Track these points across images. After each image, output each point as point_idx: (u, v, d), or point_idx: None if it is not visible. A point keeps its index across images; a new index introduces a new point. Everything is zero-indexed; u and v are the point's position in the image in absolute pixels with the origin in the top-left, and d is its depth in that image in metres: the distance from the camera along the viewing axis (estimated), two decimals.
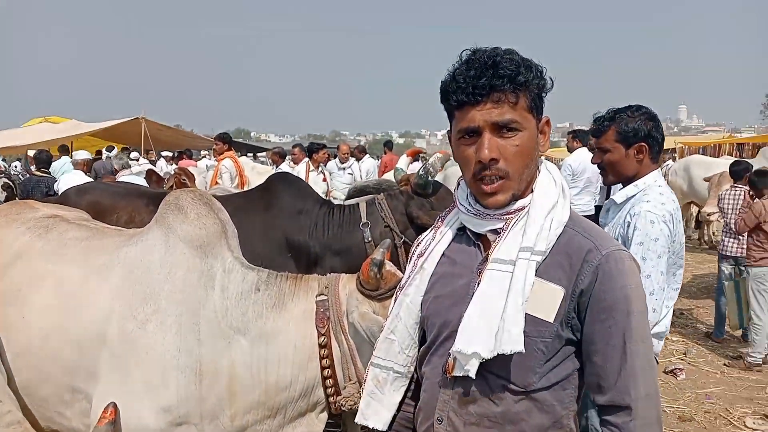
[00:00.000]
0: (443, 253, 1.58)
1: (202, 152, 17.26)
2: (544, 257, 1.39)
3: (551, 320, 1.38)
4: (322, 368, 2.20)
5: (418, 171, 3.24)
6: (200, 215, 2.34)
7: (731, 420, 4.71)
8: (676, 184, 10.39)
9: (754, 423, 4.62)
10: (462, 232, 1.58)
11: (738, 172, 6.75)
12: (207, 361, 2.21)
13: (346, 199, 3.84)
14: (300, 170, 9.20)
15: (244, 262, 2.36)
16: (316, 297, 2.24)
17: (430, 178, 3.21)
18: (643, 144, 2.79)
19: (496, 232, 1.48)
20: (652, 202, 2.68)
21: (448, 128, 1.55)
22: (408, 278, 1.62)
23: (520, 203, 1.46)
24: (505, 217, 1.46)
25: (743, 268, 6.02)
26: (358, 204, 3.35)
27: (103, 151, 15.98)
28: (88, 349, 2.23)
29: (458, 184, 1.59)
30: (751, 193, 6.28)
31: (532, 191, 1.48)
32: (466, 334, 1.38)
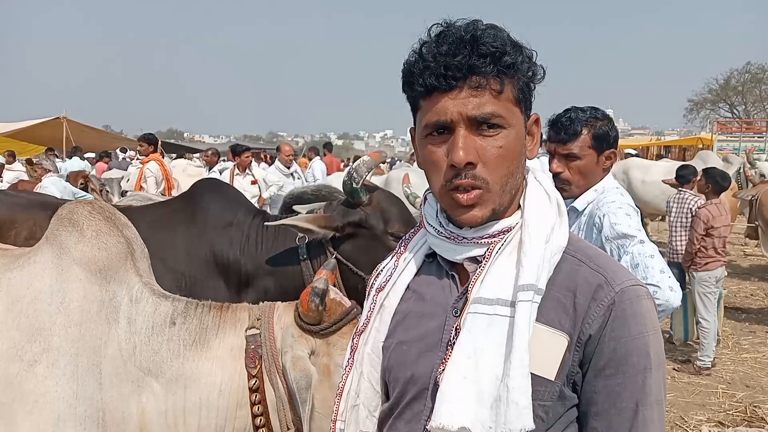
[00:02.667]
0: (408, 286, 1.24)
1: (121, 155, 16.42)
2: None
3: (552, 378, 1.05)
4: (254, 416, 1.84)
5: (343, 177, 2.89)
6: (99, 232, 1.92)
7: (687, 429, 4.62)
8: None
9: (710, 431, 4.51)
10: (431, 259, 1.25)
11: (685, 176, 6.74)
12: (111, 410, 1.86)
13: (282, 207, 3.44)
14: (225, 177, 8.47)
15: (156, 289, 1.96)
16: (246, 331, 1.87)
17: (354, 185, 2.83)
18: (614, 150, 2.60)
19: (475, 260, 1.16)
20: (617, 201, 2.53)
21: (411, 125, 1.22)
22: (366, 319, 1.27)
23: (504, 223, 1.14)
24: (486, 241, 1.14)
25: (692, 274, 5.97)
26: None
27: (118, 151, 15.42)
28: None
29: (425, 198, 1.26)
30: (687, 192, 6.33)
31: (519, 208, 1.17)
32: (447, 403, 1.04)
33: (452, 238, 1.17)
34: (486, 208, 1.11)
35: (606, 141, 2.58)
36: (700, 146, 24.25)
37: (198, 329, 1.89)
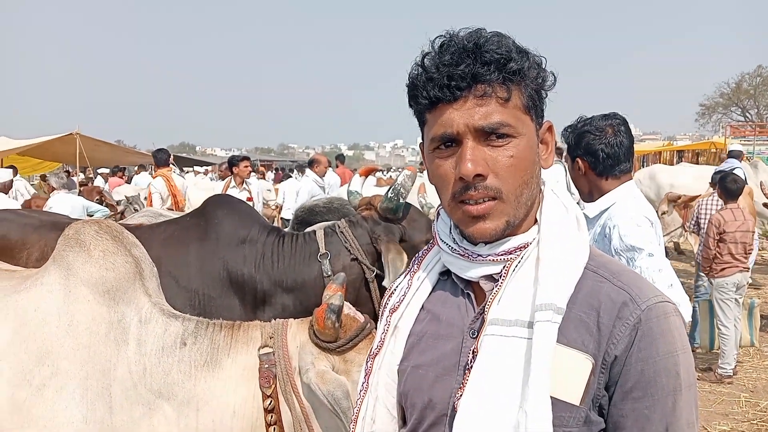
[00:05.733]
0: (422, 306, 1.18)
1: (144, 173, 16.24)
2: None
3: (577, 402, 0.98)
4: None
5: (387, 193, 2.83)
6: (107, 252, 1.89)
7: None
8: (642, 193, 10.03)
9: None
10: (446, 277, 1.19)
11: (714, 180, 6.67)
12: None
13: (294, 220, 3.39)
14: (216, 189, 7.85)
15: (166, 309, 1.92)
16: (259, 350, 1.82)
17: (401, 201, 2.80)
18: (578, 159, 2.65)
19: (492, 278, 1.10)
20: (630, 211, 2.51)
21: (420, 139, 1.17)
22: (380, 342, 1.21)
23: (521, 239, 1.08)
24: (502, 258, 1.08)
25: (711, 281, 5.88)
26: (314, 231, 2.91)
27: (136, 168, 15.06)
28: None
29: (437, 214, 1.21)
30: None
31: (536, 222, 1.11)
32: (465, 430, 0.99)
33: (466, 255, 1.11)
34: (499, 220, 1.05)
35: (574, 149, 2.64)
36: (713, 150, 23.99)
37: (209, 349, 1.84)
